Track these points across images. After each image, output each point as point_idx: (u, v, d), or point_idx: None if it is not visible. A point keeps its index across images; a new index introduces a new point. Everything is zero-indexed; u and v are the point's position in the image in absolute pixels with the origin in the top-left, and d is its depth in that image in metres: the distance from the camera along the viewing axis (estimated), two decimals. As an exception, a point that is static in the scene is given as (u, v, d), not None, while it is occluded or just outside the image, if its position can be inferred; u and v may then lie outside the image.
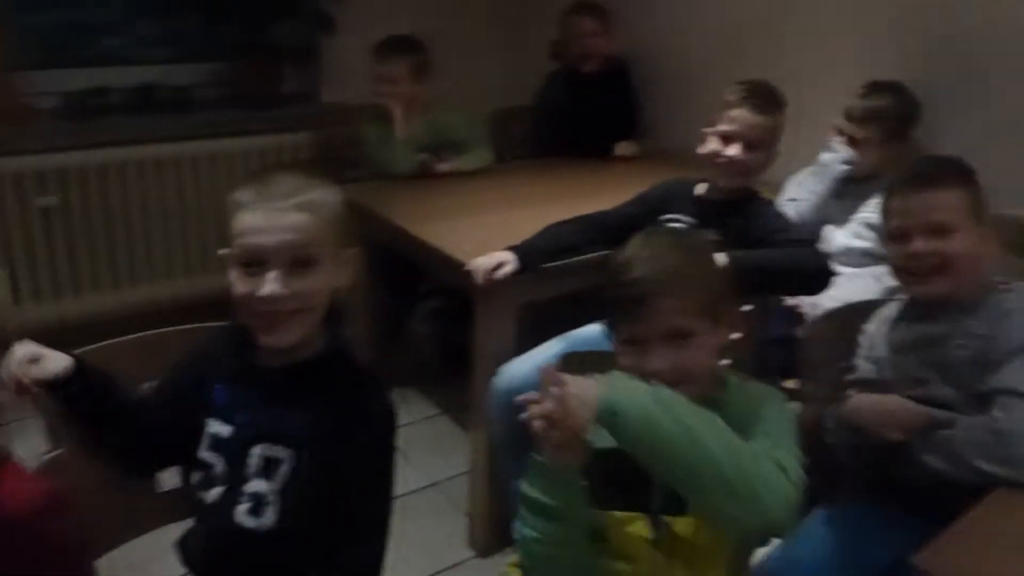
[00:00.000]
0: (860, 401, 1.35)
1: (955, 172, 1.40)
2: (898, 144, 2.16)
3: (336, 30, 3.00)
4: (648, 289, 1.13)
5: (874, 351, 1.46)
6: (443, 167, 2.55)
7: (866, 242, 2.17)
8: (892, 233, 1.40)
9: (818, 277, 1.76)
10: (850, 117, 2.14)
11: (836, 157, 2.22)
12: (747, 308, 1.73)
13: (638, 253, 1.18)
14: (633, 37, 2.92)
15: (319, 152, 2.79)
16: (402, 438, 1.16)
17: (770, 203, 1.94)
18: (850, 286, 2.02)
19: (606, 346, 1.87)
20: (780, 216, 1.91)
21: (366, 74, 2.60)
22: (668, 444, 0.99)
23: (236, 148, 2.97)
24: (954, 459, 1.23)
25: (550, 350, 1.90)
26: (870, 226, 2.16)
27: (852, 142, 2.16)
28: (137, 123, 2.84)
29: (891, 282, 1.81)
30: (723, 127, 1.85)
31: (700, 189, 1.94)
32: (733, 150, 1.84)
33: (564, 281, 1.98)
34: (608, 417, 1.01)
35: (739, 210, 1.86)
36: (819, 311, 2.00)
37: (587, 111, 2.80)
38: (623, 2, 3.06)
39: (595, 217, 1.99)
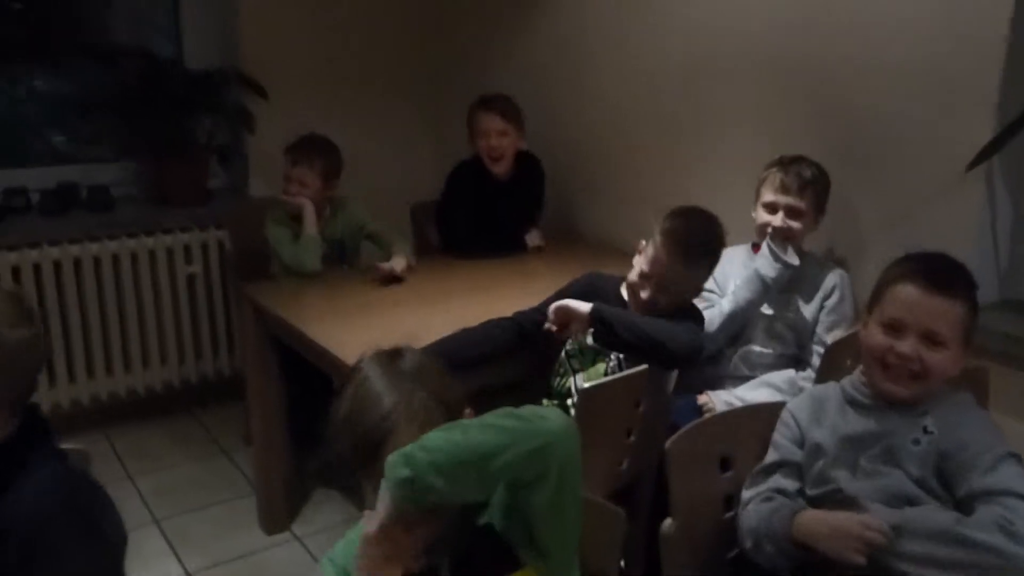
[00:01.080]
0: (814, 524, 1.32)
1: (967, 284, 1.41)
2: (820, 218, 2.15)
3: (256, 127, 3.06)
4: None
5: (810, 435, 1.44)
6: (394, 266, 2.49)
7: (787, 347, 2.14)
8: (885, 322, 1.39)
9: (686, 357, 1.73)
10: (786, 189, 2.08)
11: (776, 268, 2.07)
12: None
13: None
14: (531, 127, 2.96)
15: (243, 247, 2.80)
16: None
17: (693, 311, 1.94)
18: (754, 394, 2.01)
19: None
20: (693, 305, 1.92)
21: (277, 173, 2.66)
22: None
23: (159, 245, 3.01)
24: (952, 558, 1.22)
25: None
26: (791, 327, 2.13)
27: (792, 215, 2.09)
28: (57, 223, 2.88)
29: (805, 387, 1.83)
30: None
31: (625, 291, 1.95)
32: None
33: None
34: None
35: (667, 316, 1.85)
36: (721, 408, 1.98)
37: (496, 208, 2.79)
38: (520, 92, 3.15)
39: (509, 322, 1.98)
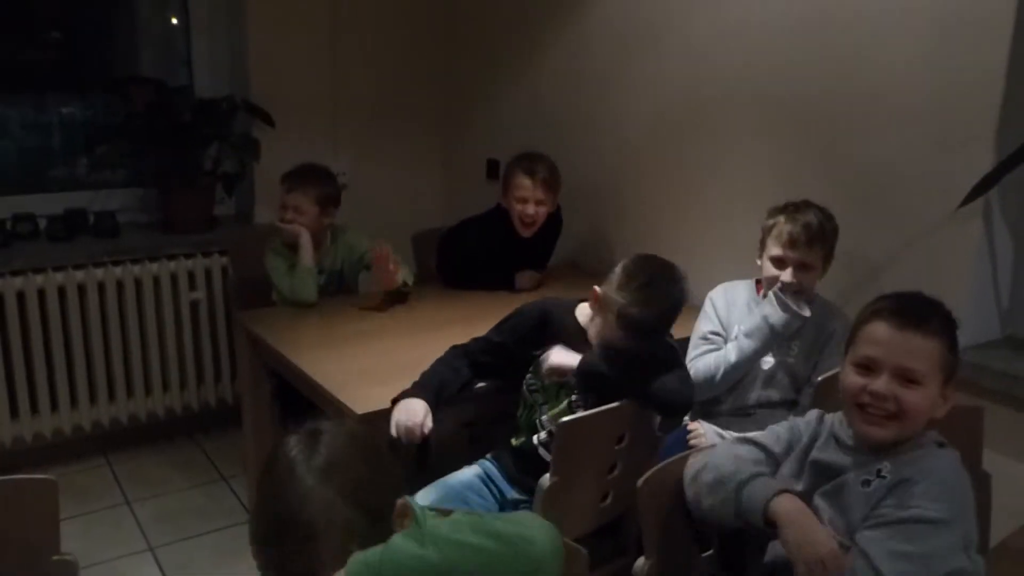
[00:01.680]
0: (796, 515, 1.31)
1: (943, 320, 1.39)
2: (829, 265, 2.12)
3: (262, 155, 3.14)
4: None
5: (790, 463, 1.44)
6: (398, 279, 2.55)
7: (785, 393, 2.13)
8: (859, 362, 1.39)
9: (676, 409, 1.74)
10: (794, 243, 2.03)
11: (785, 319, 2.04)
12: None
13: None
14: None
15: (246, 274, 2.85)
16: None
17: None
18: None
19: (480, 490, 1.93)
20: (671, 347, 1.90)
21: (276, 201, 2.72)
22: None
23: (163, 271, 3.08)
24: None
25: (423, 500, 1.89)
26: (789, 373, 2.12)
27: (801, 269, 2.05)
28: (63, 248, 2.96)
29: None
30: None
31: (583, 321, 1.95)
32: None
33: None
34: None
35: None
36: (710, 440, 1.99)
37: (510, 260, 2.82)
38: (524, 126, 3.22)
39: (471, 348, 2.02)
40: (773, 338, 2.06)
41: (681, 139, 2.71)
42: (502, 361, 1.98)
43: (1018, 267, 2.09)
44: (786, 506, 1.31)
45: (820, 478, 1.38)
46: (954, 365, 1.38)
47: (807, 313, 2.03)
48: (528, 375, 1.96)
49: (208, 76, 3.31)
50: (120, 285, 3.02)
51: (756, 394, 2.13)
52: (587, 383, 1.81)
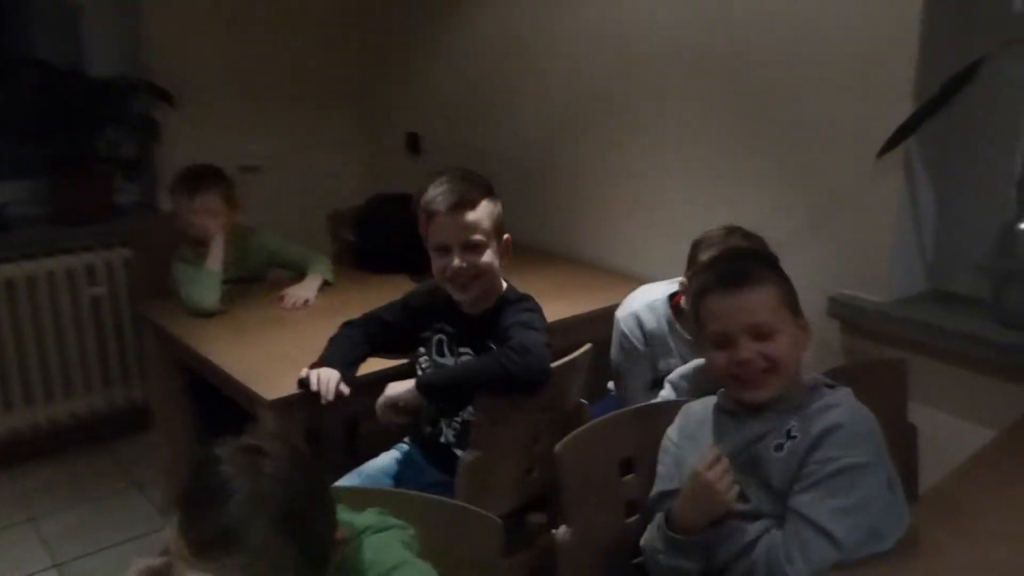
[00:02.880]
0: (679, 510, 1.37)
1: (764, 266, 1.45)
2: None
3: (164, 137, 3.06)
4: None
5: (686, 459, 1.44)
6: (307, 297, 2.49)
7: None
8: (714, 340, 1.42)
9: (520, 381, 1.72)
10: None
11: None
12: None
13: None
14: (462, 133, 2.99)
15: (151, 265, 2.76)
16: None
17: (520, 300, 1.91)
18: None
19: (398, 475, 1.92)
20: (524, 311, 1.88)
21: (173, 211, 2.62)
22: None
23: (59, 267, 2.98)
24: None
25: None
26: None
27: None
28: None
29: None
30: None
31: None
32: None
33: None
34: None
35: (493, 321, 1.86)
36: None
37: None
38: (449, 97, 3.21)
39: (362, 322, 2.04)
40: None
41: (609, 103, 2.73)
42: (398, 337, 2.00)
43: (941, 219, 2.15)
44: (675, 522, 1.37)
45: (733, 459, 1.39)
46: (793, 295, 1.45)
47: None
48: (421, 356, 1.95)
49: (103, 56, 3.20)
50: (11, 284, 2.92)
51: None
52: (432, 398, 1.78)
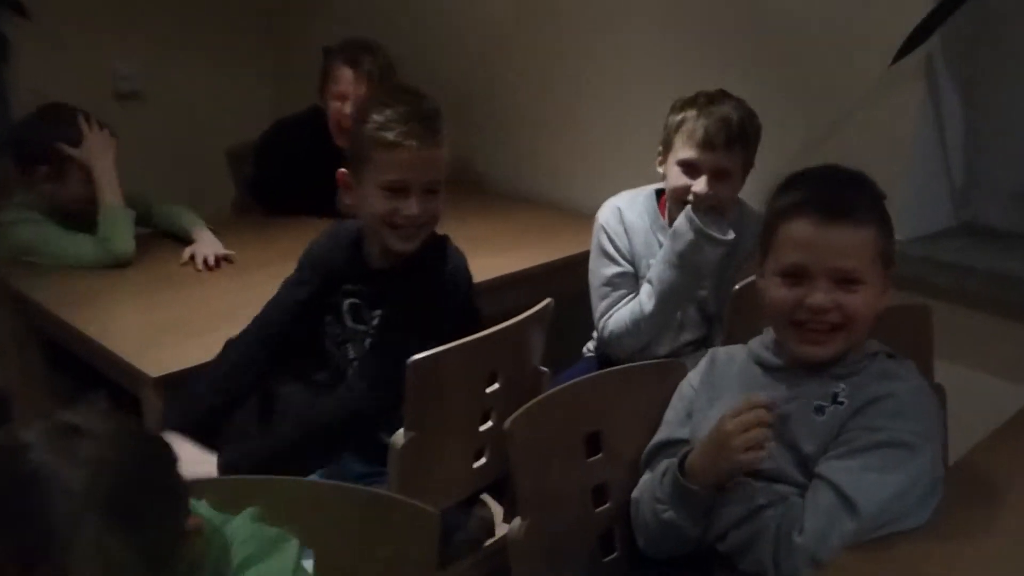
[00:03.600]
0: (697, 458, 1.37)
1: (871, 202, 1.41)
2: (748, 173, 2.10)
3: (12, 55, 2.96)
4: None
5: (702, 411, 1.47)
6: (205, 254, 2.41)
7: (697, 331, 2.16)
8: (784, 271, 1.39)
9: (357, 427, 1.72)
10: (711, 145, 1.99)
11: (706, 248, 2.03)
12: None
13: None
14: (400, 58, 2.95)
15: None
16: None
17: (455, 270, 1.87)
18: None
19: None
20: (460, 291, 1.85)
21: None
22: None
23: None
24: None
25: None
26: (700, 308, 2.15)
27: (719, 177, 2.02)
28: None
29: None
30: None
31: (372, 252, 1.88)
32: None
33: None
34: None
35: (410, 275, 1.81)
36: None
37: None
38: (387, 20, 3.15)
39: (267, 336, 1.90)
40: (695, 274, 2.05)
41: (558, 17, 2.70)
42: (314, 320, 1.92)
43: (971, 139, 2.15)
44: (691, 471, 1.37)
45: None
46: (892, 245, 1.42)
47: (731, 236, 2.02)
48: (330, 327, 1.90)
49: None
50: None
51: (668, 344, 2.16)
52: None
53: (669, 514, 1.39)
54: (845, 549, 1.26)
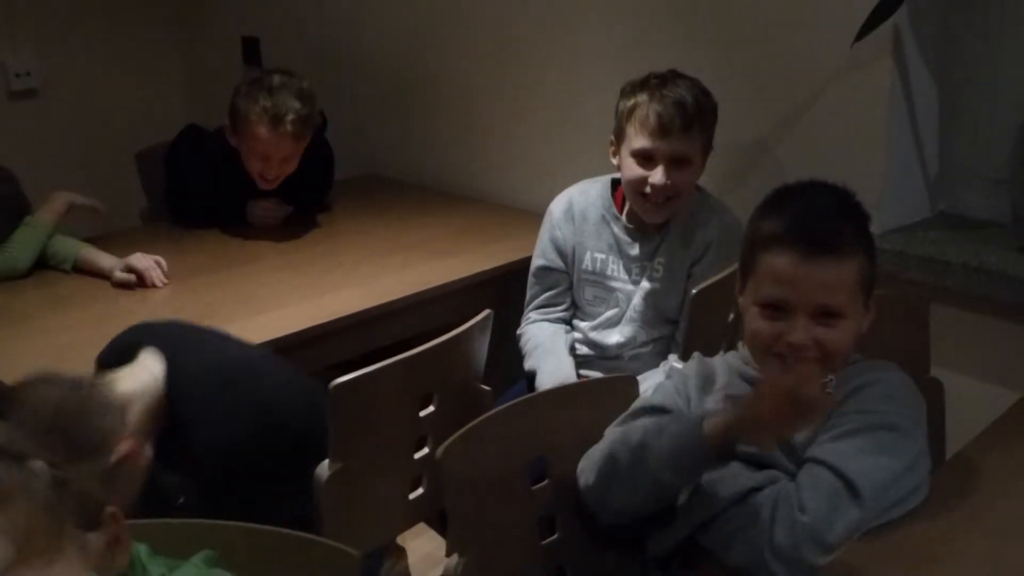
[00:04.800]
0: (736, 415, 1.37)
1: (856, 231, 1.44)
2: (706, 159, 2.11)
3: None
4: None
5: (698, 401, 1.51)
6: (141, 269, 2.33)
7: (654, 330, 2.15)
8: (764, 303, 1.43)
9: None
10: (666, 130, 1.99)
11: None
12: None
13: None
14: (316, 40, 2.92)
15: None
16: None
17: None
18: None
19: None
20: None
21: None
22: None
23: None
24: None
25: None
26: (654, 305, 2.13)
27: (676, 165, 2.00)
28: None
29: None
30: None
31: None
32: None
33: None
34: None
35: None
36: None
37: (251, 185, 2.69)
38: None
39: None
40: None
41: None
42: None
43: (946, 121, 2.15)
44: (711, 425, 1.37)
45: None
46: (874, 271, 1.46)
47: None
48: None
49: None
50: None
51: (617, 336, 2.16)
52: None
53: (666, 474, 1.39)
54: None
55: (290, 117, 2.47)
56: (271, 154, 2.53)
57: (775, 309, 1.42)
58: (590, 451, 1.49)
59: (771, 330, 1.42)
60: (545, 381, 2.06)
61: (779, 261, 1.41)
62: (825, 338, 1.40)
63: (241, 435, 1.58)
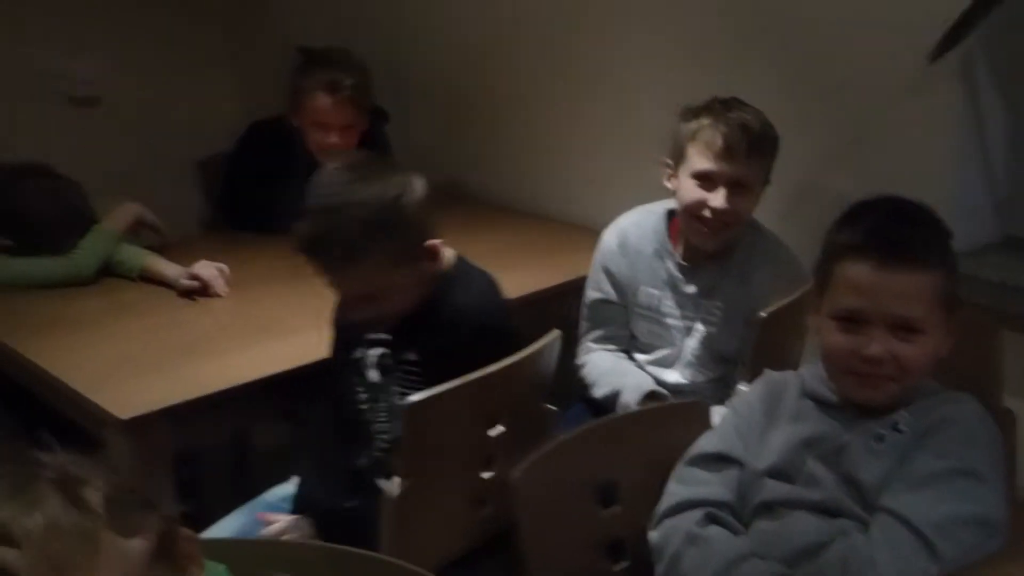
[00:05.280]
0: None
1: (936, 242, 1.43)
2: (764, 189, 2.09)
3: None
4: None
5: (760, 434, 1.49)
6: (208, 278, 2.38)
7: (710, 371, 2.14)
8: (839, 316, 1.42)
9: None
10: (731, 154, 1.97)
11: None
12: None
13: None
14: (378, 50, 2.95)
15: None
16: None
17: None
18: None
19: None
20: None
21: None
22: None
23: None
24: None
25: (232, 524, 1.92)
26: (709, 346, 2.12)
27: (737, 190, 2.00)
28: None
29: None
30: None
31: None
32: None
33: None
34: None
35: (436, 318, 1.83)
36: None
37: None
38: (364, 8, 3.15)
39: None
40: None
41: (559, 17, 2.70)
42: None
43: (1017, 140, 2.13)
44: None
45: (809, 448, 1.43)
46: (956, 288, 1.44)
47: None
48: (359, 394, 1.93)
49: None
50: None
51: (676, 376, 2.15)
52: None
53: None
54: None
55: (347, 82, 2.62)
56: (331, 122, 2.64)
57: (851, 322, 1.40)
58: (664, 520, 1.46)
59: (847, 344, 1.40)
60: (630, 398, 2.04)
61: (856, 270, 1.40)
62: (902, 353, 1.38)
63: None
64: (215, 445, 2.63)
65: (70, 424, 2.10)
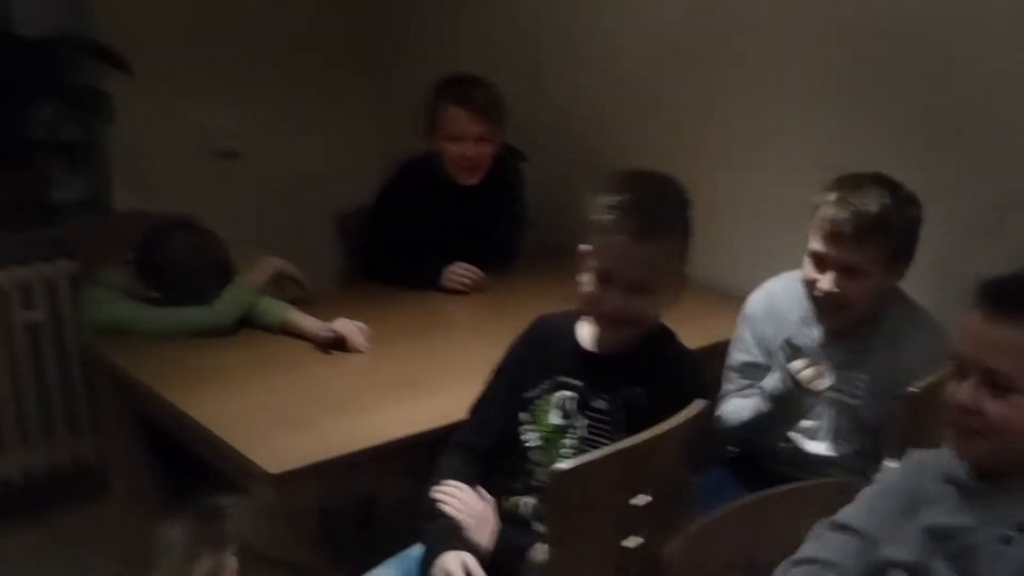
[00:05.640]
0: None
1: None
2: (899, 270, 2.05)
3: (117, 114, 3.07)
4: None
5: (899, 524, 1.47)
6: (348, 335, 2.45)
7: (851, 443, 2.11)
8: (953, 358, 1.43)
9: None
10: (838, 237, 1.97)
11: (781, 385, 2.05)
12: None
13: None
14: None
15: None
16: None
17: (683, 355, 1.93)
18: None
19: None
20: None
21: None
22: None
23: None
24: None
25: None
26: (853, 417, 2.09)
27: (847, 274, 1.99)
28: None
29: None
30: None
31: (585, 336, 1.94)
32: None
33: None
34: None
35: (644, 367, 1.86)
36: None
37: (455, 226, 2.83)
38: (491, 59, 3.18)
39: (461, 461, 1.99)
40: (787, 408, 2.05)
41: (698, 71, 2.72)
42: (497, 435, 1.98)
43: None
44: None
45: (940, 543, 1.40)
46: None
47: (824, 386, 1.99)
48: (521, 413, 1.94)
49: (36, 8, 3.19)
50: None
51: (819, 448, 2.13)
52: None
53: None
54: None
55: (478, 93, 2.73)
56: (464, 134, 2.73)
57: (955, 371, 1.41)
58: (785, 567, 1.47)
59: (950, 391, 1.41)
60: (771, 380, 2.06)
61: (970, 316, 1.41)
62: (988, 407, 1.37)
63: None
64: (347, 500, 2.66)
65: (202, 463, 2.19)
